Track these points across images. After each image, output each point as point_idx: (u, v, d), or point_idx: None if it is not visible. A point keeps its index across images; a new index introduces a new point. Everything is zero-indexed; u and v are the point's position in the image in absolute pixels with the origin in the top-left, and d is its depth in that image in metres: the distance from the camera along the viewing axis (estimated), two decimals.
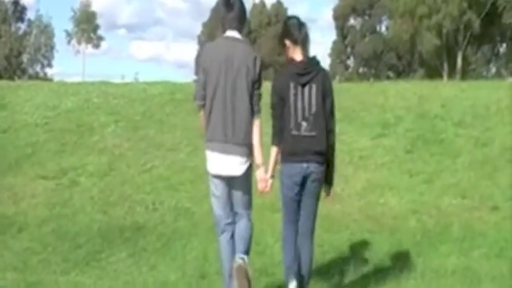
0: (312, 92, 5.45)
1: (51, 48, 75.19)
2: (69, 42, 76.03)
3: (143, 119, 13.26)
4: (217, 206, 5.62)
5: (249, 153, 5.41)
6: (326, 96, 5.51)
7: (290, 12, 74.95)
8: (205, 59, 5.49)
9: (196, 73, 4.39)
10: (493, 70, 57.12)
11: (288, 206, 5.66)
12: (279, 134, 5.50)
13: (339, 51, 75.85)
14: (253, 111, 5.41)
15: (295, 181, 5.51)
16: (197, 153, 11.38)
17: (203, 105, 5.46)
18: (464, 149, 10.87)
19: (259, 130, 5.44)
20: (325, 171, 5.59)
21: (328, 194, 5.79)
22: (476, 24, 49.07)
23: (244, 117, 5.37)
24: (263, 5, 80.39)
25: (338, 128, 9.72)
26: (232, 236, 5.58)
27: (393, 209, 9.16)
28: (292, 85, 5.44)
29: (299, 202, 5.63)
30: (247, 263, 5.38)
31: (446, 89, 15.08)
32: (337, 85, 20.32)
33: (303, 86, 5.44)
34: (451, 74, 49.60)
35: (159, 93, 15.13)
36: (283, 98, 5.45)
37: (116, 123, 13.04)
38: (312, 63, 5.57)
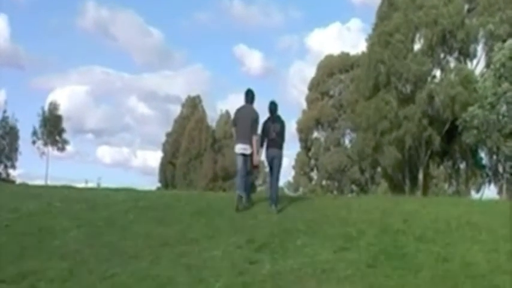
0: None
1: (16, 149, 74.88)
2: (34, 142, 75.33)
3: (106, 225, 13.19)
4: (238, 168, 14.78)
5: (250, 146, 14.31)
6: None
7: None
8: (237, 112, 14.98)
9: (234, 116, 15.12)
10: (455, 186, 57.86)
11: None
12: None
13: (302, 163, 76.59)
14: (253, 133, 14.36)
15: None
16: (159, 261, 11.30)
17: (234, 126, 14.90)
18: (425, 264, 10.93)
19: (256, 140, 14.39)
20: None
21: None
22: (437, 141, 49.68)
23: (248, 134, 14.36)
24: (228, 115, 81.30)
25: (301, 241, 9.89)
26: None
27: None
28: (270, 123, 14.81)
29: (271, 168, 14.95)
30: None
31: (408, 204, 15.31)
32: (300, 197, 20.52)
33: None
34: (413, 189, 50.06)
35: (123, 199, 15.14)
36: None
37: (78, 228, 12.94)
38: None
